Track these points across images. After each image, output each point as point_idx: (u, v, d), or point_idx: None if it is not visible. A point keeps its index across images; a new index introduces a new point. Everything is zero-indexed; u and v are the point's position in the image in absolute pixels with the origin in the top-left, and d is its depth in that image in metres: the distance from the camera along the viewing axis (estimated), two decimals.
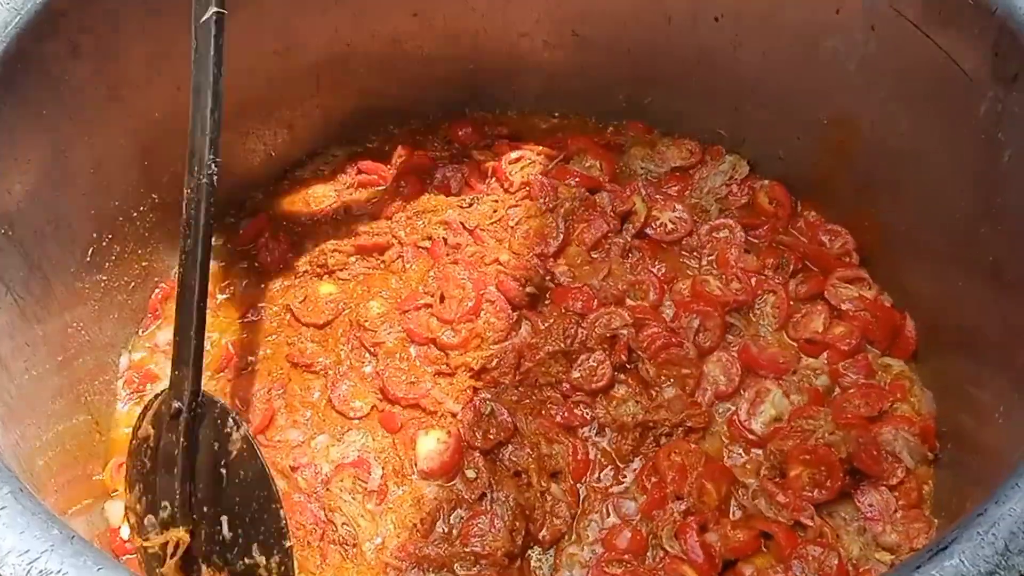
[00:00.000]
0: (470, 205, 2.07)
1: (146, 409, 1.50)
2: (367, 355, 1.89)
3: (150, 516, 1.43)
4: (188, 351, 1.40)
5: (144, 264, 1.96)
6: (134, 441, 1.50)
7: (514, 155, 2.14)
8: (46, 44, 1.53)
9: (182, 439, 1.40)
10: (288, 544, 1.44)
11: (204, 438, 1.43)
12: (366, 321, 1.90)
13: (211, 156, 1.46)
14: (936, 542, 1.05)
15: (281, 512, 1.44)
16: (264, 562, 1.44)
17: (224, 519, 1.43)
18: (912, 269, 1.87)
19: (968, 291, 1.68)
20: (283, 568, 1.43)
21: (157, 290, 2.00)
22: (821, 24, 1.80)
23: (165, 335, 1.93)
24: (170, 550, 1.40)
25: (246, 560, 1.43)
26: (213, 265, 1.85)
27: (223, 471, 1.43)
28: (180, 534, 1.40)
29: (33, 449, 1.52)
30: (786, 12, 1.85)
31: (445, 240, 2.01)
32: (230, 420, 1.44)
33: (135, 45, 1.72)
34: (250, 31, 1.88)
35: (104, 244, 1.81)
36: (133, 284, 1.94)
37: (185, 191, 1.44)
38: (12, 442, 1.43)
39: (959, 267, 1.70)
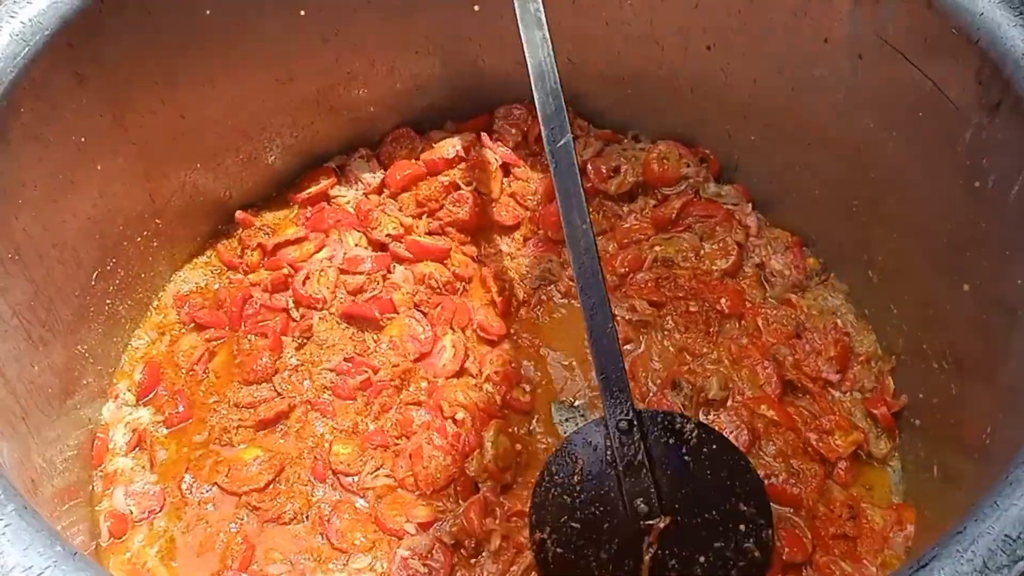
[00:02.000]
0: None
1: (556, 460, 1.67)
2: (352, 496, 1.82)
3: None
4: (619, 379, 1.60)
5: (148, 288, 1.99)
6: (549, 496, 1.66)
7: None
8: (53, 74, 1.56)
9: (642, 444, 1.61)
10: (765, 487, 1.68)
11: (655, 439, 1.64)
12: (340, 466, 1.83)
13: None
14: (916, 560, 1.07)
15: (751, 465, 1.68)
16: (747, 510, 1.63)
17: (701, 498, 1.63)
18: (899, 292, 1.90)
19: (954, 313, 1.71)
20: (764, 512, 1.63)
21: (96, 442, 1.86)
22: (809, 53, 1.84)
23: (120, 495, 1.80)
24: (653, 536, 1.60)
25: (729, 523, 1.62)
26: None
27: (687, 459, 1.65)
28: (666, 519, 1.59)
29: (38, 469, 1.55)
30: (775, 41, 1.88)
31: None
32: (677, 418, 1.67)
33: (141, 74, 1.76)
34: (252, 59, 1.92)
35: (108, 268, 1.85)
36: (137, 308, 1.98)
37: (573, 257, 1.60)
38: (16, 461, 1.46)
39: (945, 290, 1.72)
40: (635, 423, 1.61)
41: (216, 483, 1.81)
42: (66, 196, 1.68)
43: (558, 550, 1.62)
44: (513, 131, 2.24)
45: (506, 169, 2.21)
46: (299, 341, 1.97)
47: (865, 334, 2.00)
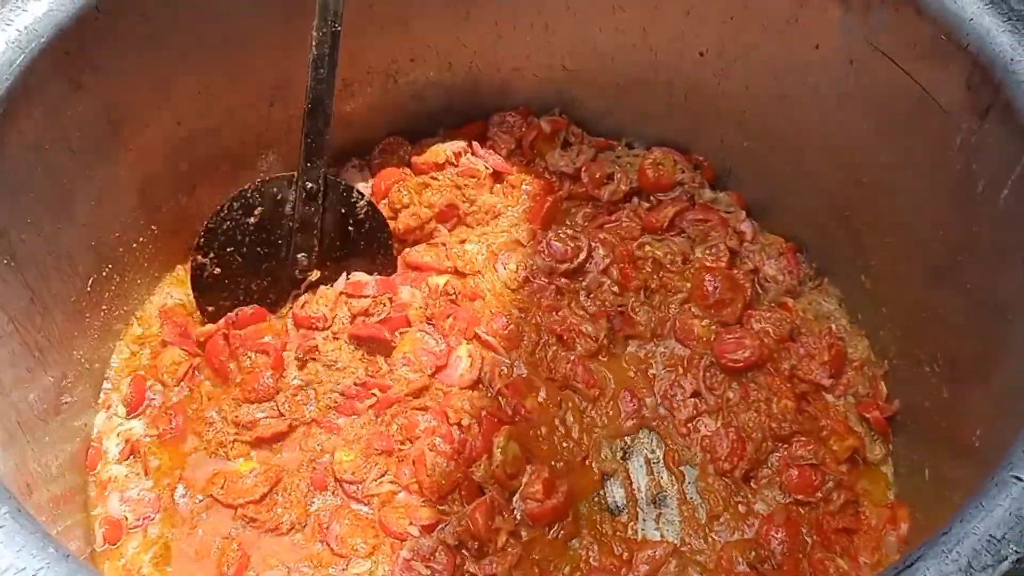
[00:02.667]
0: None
1: (239, 199, 1.93)
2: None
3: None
4: (321, 148, 1.89)
5: (144, 294, 2.00)
6: (223, 227, 1.93)
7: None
8: (49, 81, 1.57)
9: (321, 208, 1.94)
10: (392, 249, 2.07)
11: (331, 206, 1.96)
12: (344, 474, 1.82)
13: (340, 14, 1.80)
14: (903, 560, 1.08)
15: (391, 241, 2.06)
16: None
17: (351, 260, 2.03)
18: (892, 297, 1.91)
19: (947, 317, 1.72)
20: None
21: (90, 450, 1.86)
22: (801, 59, 1.85)
23: (115, 501, 1.80)
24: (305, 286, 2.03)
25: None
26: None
27: (351, 228, 2.00)
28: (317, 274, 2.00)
29: (33, 474, 1.55)
30: (767, 48, 1.90)
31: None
32: (355, 193, 1.98)
33: (137, 82, 1.76)
34: (248, 67, 1.93)
35: (104, 274, 1.86)
36: (133, 314, 1.99)
37: (314, 34, 1.79)
38: (12, 467, 1.47)
39: (938, 294, 1.74)
40: (321, 190, 1.92)
41: (211, 495, 1.79)
42: (62, 203, 1.69)
43: (216, 271, 1.95)
44: (507, 138, 2.25)
45: (499, 177, 2.22)
46: (302, 359, 1.94)
47: (859, 339, 2.01)
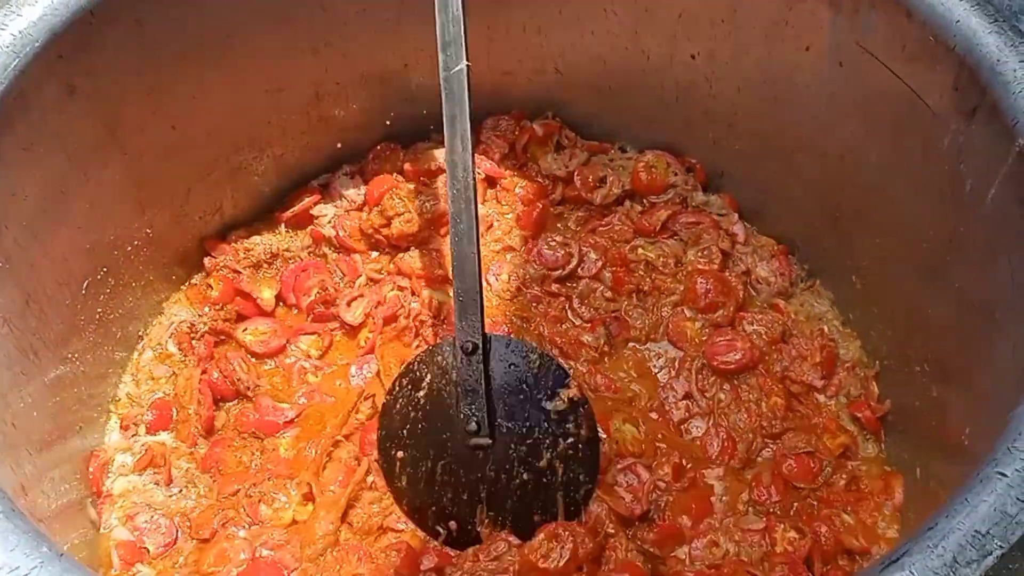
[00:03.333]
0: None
1: (405, 375, 1.80)
2: None
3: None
4: (474, 304, 1.68)
5: (139, 296, 2.01)
6: (396, 406, 1.80)
7: None
8: (44, 85, 1.58)
9: (483, 367, 1.71)
10: (599, 434, 1.80)
11: (498, 365, 1.74)
12: None
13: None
14: (889, 554, 1.09)
15: (589, 405, 1.78)
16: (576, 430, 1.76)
17: (528, 424, 1.76)
18: (883, 298, 1.93)
19: (936, 317, 1.73)
20: (590, 436, 1.77)
21: (93, 461, 1.87)
22: (791, 61, 1.86)
23: (122, 532, 1.80)
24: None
25: (544, 452, 1.76)
26: None
27: (525, 387, 1.75)
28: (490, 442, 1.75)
29: (28, 476, 1.56)
30: (758, 50, 1.91)
31: None
32: (523, 346, 1.77)
33: (131, 86, 1.77)
34: (242, 71, 1.94)
35: (99, 277, 1.86)
36: (128, 316, 1.99)
37: (449, 193, 1.66)
38: (7, 468, 1.48)
39: (927, 294, 1.75)
40: (479, 346, 1.70)
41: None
42: (57, 206, 1.69)
43: (399, 454, 1.79)
44: (500, 143, 2.26)
45: (492, 182, 2.23)
46: None
47: (850, 340, 2.02)
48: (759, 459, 1.89)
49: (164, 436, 1.93)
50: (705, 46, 1.99)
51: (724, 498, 1.84)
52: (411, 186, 2.17)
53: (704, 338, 2.01)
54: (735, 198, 2.22)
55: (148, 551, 1.76)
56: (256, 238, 2.18)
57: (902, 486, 1.79)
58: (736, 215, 2.19)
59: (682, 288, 2.08)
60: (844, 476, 1.83)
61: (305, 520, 1.80)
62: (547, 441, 1.75)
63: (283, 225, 2.22)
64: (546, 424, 1.75)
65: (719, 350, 1.98)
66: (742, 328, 2.02)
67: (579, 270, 2.12)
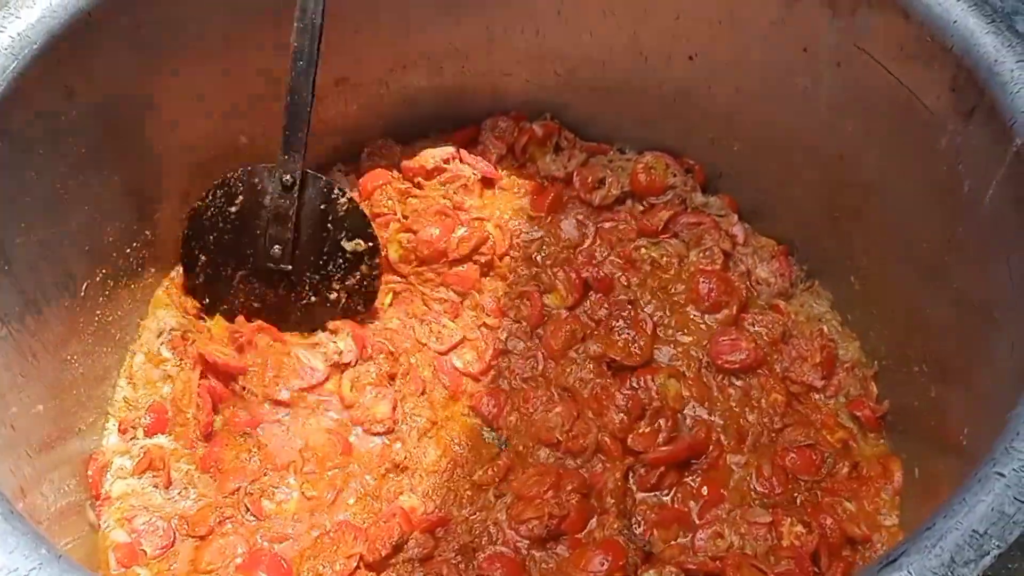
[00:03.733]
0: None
1: (221, 187, 1.97)
2: None
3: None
4: (300, 141, 1.89)
5: (137, 299, 2.01)
6: (207, 214, 1.98)
7: None
8: (42, 87, 1.58)
9: (296, 200, 1.93)
10: (377, 260, 2.04)
11: (309, 201, 1.95)
12: None
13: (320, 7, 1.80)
14: (886, 554, 1.09)
15: (378, 246, 2.04)
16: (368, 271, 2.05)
17: (325, 258, 2.01)
18: (881, 298, 1.93)
19: (934, 317, 1.74)
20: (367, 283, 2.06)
21: (92, 464, 1.87)
22: (790, 62, 1.86)
23: (119, 534, 1.80)
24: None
25: (334, 284, 2.04)
26: None
27: (330, 225, 1.98)
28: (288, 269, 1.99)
29: (27, 478, 1.56)
30: (756, 51, 1.91)
31: None
32: (336, 189, 1.97)
33: (129, 88, 1.77)
34: (241, 72, 1.95)
35: (98, 279, 1.86)
36: (126, 319, 1.99)
37: (295, 25, 1.80)
38: (6, 470, 1.48)
39: (926, 294, 1.75)
40: (296, 182, 1.91)
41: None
42: (56, 208, 1.69)
43: (202, 257, 2.00)
44: (498, 144, 2.26)
45: (488, 183, 2.22)
46: None
47: (850, 341, 2.03)
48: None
49: (162, 439, 1.92)
50: (703, 47, 2.00)
51: (738, 486, 1.86)
52: (404, 185, 2.17)
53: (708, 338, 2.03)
54: (734, 199, 2.21)
55: (145, 553, 1.76)
56: None
57: (900, 469, 1.80)
58: (735, 216, 2.19)
59: (685, 288, 2.08)
60: (846, 464, 1.85)
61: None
62: (339, 275, 2.02)
63: None
64: (341, 260, 2.01)
65: (723, 349, 1.98)
66: (744, 328, 2.03)
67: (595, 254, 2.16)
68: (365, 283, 2.05)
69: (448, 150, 2.20)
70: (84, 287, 1.82)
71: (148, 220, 1.96)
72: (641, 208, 2.22)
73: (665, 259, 2.12)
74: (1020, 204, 1.43)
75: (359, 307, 2.07)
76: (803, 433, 1.88)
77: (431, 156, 2.18)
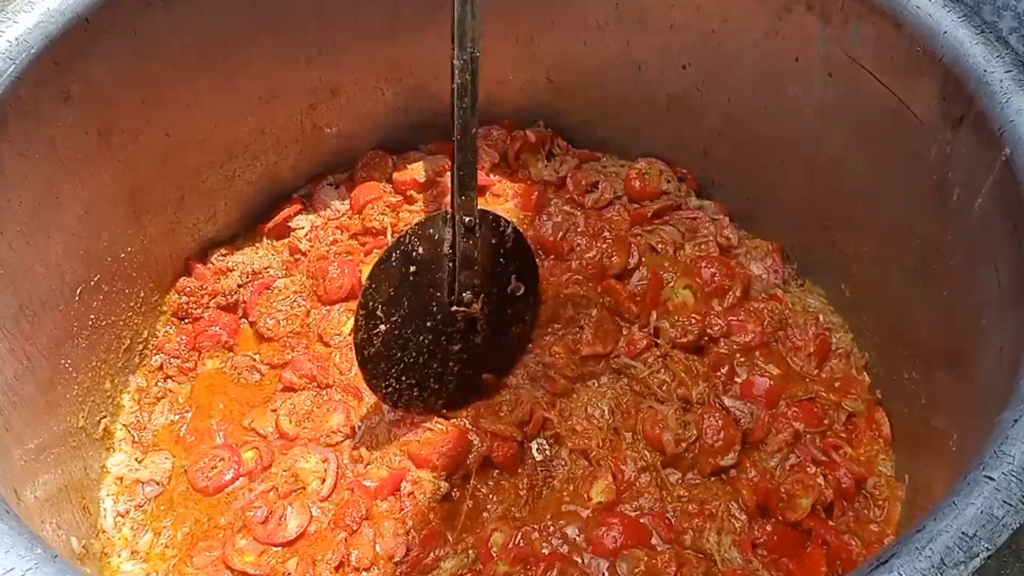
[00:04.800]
0: None
1: (397, 246, 1.79)
2: None
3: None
4: (472, 180, 1.78)
5: (132, 304, 2.01)
6: (388, 274, 1.80)
7: None
8: (39, 92, 1.59)
9: (479, 242, 1.83)
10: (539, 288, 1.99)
11: (483, 238, 1.84)
12: None
13: (477, 39, 1.73)
14: (877, 556, 1.10)
15: (537, 264, 1.98)
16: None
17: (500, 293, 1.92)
18: (872, 306, 1.95)
19: (924, 324, 1.75)
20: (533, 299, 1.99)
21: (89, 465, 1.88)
22: (781, 72, 1.89)
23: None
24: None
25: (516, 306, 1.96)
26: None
27: (502, 259, 1.89)
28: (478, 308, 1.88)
29: (22, 479, 1.56)
30: (748, 61, 1.93)
31: None
32: (502, 220, 1.88)
33: (126, 93, 1.78)
34: (236, 79, 1.95)
35: (93, 283, 1.86)
36: (121, 323, 1.99)
37: (455, 63, 1.72)
38: (2, 471, 1.48)
39: (915, 302, 1.77)
40: (477, 223, 1.81)
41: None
42: (51, 212, 1.70)
43: (381, 327, 1.81)
44: (491, 152, 2.28)
45: (481, 190, 2.22)
46: None
47: (843, 333, 2.05)
48: None
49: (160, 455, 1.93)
50: (696, 56, 2.02)
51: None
52: (396, 198, 2.18)
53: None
54: (726, 206, 2.23)
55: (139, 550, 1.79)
56: (238, 256, 2.18)
57: (886, 418, 1.88)
58: (727, 219, 2.21)
59: (682, 273, 2.10)
60: (842, 414, 1.91)
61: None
62: (514, 311, 1.95)
63: (265, 238, 2.22)
64: (512, 295, 1.93)
65: (732, 330, 2.01)
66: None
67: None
68: (527, 315, 1.99)
69: (440, 161, 2.21)
70: (79, 291, 1.82)
71: (143, 225, 1.96)
72: (636, 206, 2.23)
73: (661, 245, 2.14)
74: (1008, 211, 1.45)
75: (527, 341, 2.00)
76: (802, 389, 1.93)
77: (421, 168, 2.18)
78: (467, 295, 1.84)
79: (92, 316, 1.88)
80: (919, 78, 1.62)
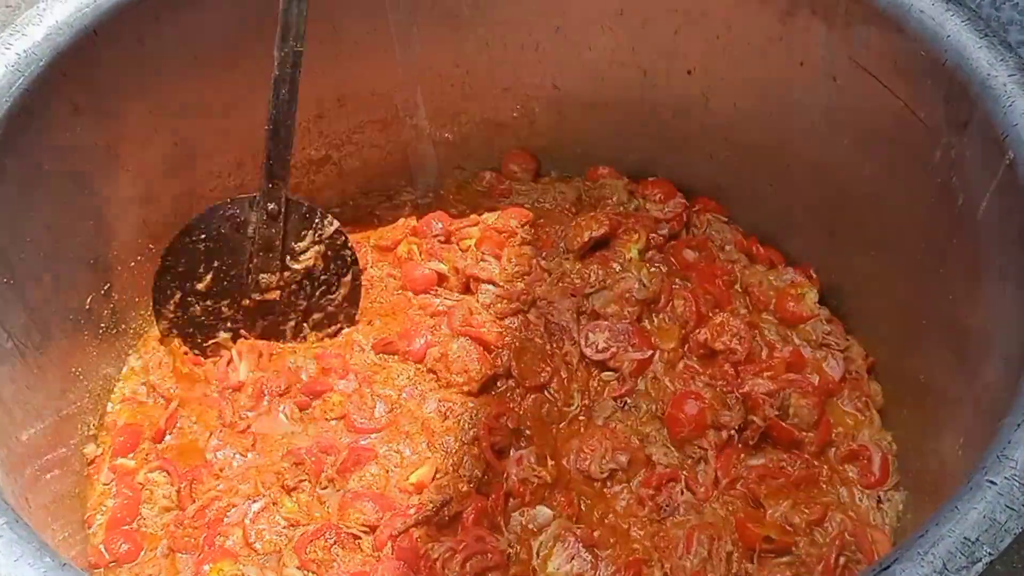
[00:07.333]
0: None
1: (201, 222, 1.92)
2: None
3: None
4: (282, 171, 1.87)
5: (141, 312, 2.02)
6: (186, 244, 1.92)
7: None
8: (48, 103, 1.60)
9: (282, 229, 1.92)
10: (358, 282, 2.06)
11: (293, 228, 1.94)
12: None
13: (301, 35, 1.77)
14: (879, 562, 1.10)
15: (357, 268, 2.05)
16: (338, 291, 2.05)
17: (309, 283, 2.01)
18: (878, 313, 1.95)
19: (929, 329, 1.75)
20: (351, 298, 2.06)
21: (96, 474, 1.85)
22: (786, 76, 1.88)
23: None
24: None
25: (319, 299, 2.04)
26: None
27: (315, 248, 1.97)
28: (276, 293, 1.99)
29: (31, 489, 1.58)
30: (754, 66, 1.93)
31: None
32: (318, 212, 1.96)
33: (134, 103, 1.79)
34: (243, 88, 1.96)
35: (103, 292, 1.88)
36: (130, 333, 2.01)
37: (276, 54, 1.77)
38: (12, 481, 1.49)
39: (921, 308, 1.76)
40: (282, 211, 1.90)
41: None
42: (61, 222, 1.71)
43: (178, 295, 1.94)
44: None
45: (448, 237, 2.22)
46: None
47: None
48: None
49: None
50: (701, 62, 2.02)
51: None
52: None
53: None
54: (729, 209, 2.24)
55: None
56: None
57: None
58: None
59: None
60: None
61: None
62: (323, 298, 2.03)
63: None
64: (325, 284, 2.02)
65: None
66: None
67: None
68: (346, 304, 2.06)
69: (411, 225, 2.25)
70: (89, 300, 1.84)
71: (152, 234, 1.97)
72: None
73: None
74: (1013, 216, 1.44)
75: (342, 327, 2.07)
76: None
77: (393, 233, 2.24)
78: (263, 278, 1.95)
79: (103, 325, 1.90)
80: (923, 82, 1.62)
